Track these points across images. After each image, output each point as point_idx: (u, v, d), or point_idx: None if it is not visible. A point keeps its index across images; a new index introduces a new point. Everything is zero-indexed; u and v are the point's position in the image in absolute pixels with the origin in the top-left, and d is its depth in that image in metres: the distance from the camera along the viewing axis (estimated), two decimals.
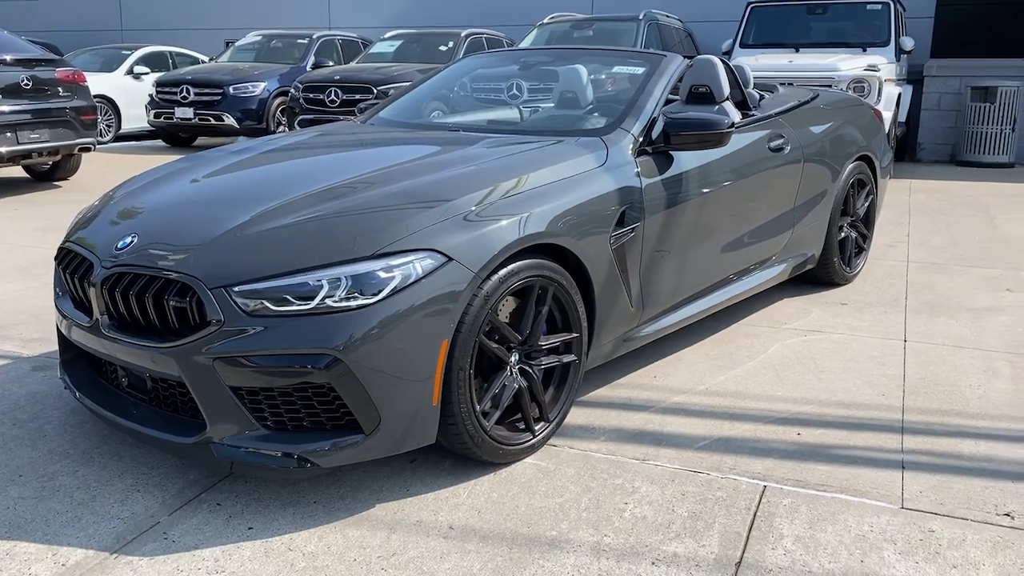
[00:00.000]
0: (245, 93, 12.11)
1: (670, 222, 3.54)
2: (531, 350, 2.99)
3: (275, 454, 2.58)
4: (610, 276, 3.23)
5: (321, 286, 2.52)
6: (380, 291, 2.53)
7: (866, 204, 5.20)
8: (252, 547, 2.51)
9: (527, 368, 2.97)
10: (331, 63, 13.14)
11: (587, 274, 3.12)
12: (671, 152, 3.59)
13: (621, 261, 3.27)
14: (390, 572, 2.39)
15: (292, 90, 11.51)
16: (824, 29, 10.14)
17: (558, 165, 3.21)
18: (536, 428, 2.99)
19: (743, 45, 10.39)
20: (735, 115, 3.92)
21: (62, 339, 3.16)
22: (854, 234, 5.14)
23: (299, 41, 13.64)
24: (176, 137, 13.37)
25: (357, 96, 10.69)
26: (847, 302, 4.87)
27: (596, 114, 3.97)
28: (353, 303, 2.51)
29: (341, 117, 10.86)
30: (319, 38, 13.63)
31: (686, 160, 3.66)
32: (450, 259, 2.64)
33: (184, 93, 12.27)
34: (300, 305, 2.51)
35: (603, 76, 4.34)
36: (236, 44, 14.06)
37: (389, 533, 2.58)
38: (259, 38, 13.98)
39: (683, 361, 3.94)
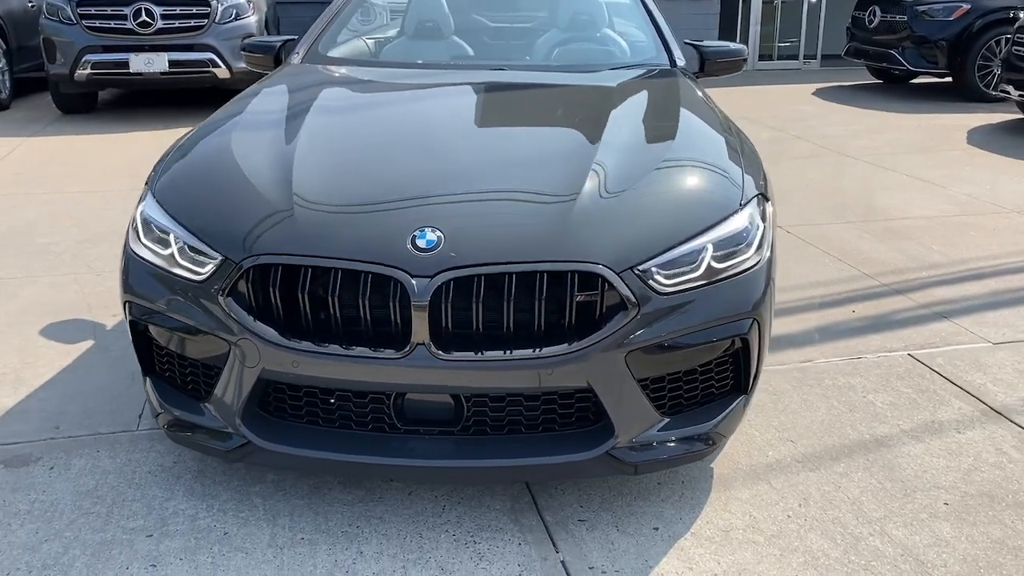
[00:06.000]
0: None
1: None
2: None
3: (681, 441, 2.36)
4: None
5: (706, 249, 2.33)
6: (755, 242, 2.42)
7: None
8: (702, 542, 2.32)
9: None
10: None
11: None
12: None
13: None
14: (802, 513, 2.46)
15: None
16: None
17: (703, 97, 3.26)
18: None
19: None
20: None
21: (264, 386, 2.26)
22: None
23: None
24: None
25: None
26: None
27: (633, 44, 3.92)
28: (744, 259, 2.37)
29: None
30: None
31: None
32: (767, 198, 2.62)
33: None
34: (692, 273, 2.29)
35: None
36: None
37: (755, 484, 2.58)
38: None
39: None
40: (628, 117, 2.90)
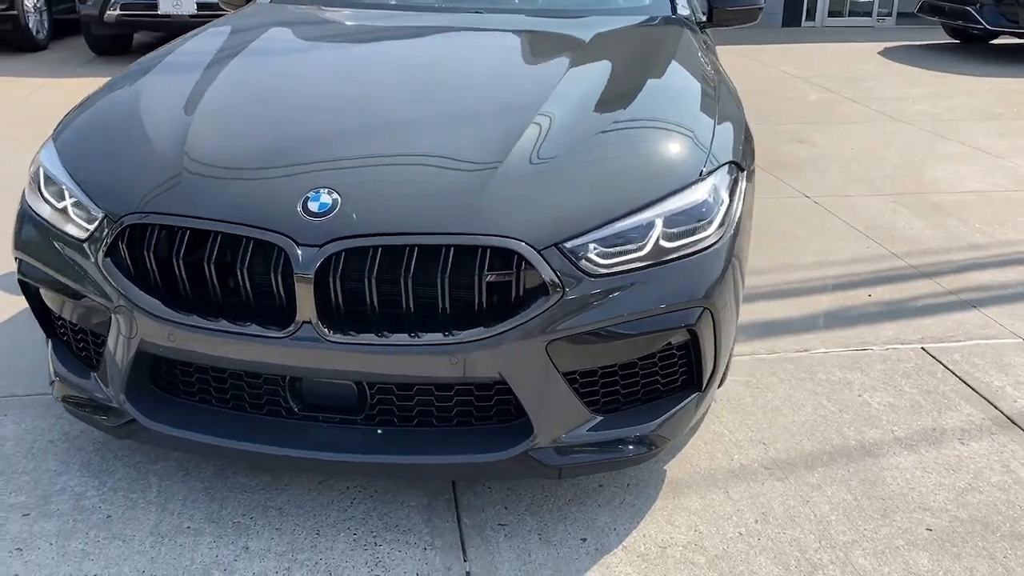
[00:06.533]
0: None
1: None
2: None
3: (615, 444, 2.06)
4: None
5: (653, 225, 2.00)
6: (715, 218, 2.09)
7: None
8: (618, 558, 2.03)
9: None
10: None
11: None
12: None
13: None
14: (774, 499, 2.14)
15: None
16: None
17: (698, 50, 2.89)
18: None
19: None
20: None
21: (142, 360, 2.04)
22: None
23: None
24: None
25: None
26: None
27: None
28: (700, 238, 2.04)
29: None
30: None
31: None
32: (742, 168, 2.27)
33: None
34: (636, 253, 1.97)
35: None
36: None
37: (749, 482, 2.27)
38: None
39: None
40: (590, 73, 2.54)
